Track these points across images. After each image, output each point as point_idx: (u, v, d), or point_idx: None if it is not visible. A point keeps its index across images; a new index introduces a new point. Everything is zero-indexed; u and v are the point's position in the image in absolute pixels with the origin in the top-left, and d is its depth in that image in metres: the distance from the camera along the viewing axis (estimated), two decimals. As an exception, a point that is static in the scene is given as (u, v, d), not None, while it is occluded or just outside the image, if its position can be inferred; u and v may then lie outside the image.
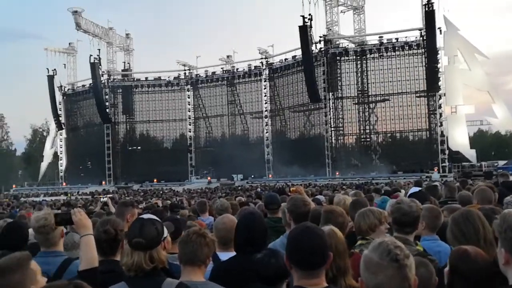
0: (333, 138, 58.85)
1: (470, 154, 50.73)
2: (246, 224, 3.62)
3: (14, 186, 72.97)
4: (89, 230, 3.35)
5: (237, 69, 69.18)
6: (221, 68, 70.70)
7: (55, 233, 3.80)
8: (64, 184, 71.26)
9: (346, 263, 3.03)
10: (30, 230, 5.01)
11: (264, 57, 66.03)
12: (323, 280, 2.52)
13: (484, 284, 2.56)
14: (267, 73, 66.14)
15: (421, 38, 53.25)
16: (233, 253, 3.74)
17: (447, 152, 51.90)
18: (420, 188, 7.75)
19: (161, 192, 36.80)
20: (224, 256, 3.57)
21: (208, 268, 3.37)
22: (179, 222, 4.66)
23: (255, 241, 3.51)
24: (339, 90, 59.29)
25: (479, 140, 79.49)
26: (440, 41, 50.63)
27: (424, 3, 51.79)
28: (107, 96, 70.67)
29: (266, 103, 66.25)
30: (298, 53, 58.31)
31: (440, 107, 53.24)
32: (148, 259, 2.88)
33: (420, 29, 53.56)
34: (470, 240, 3.21)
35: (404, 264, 1.96)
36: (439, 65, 51.50)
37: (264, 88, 66.19)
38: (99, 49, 69.26)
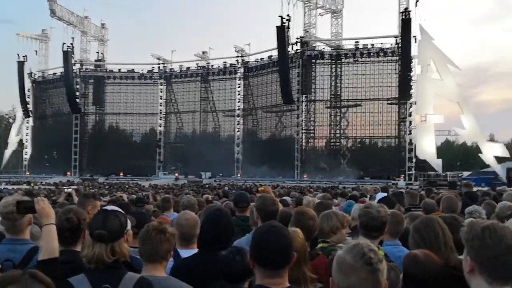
0: (303, 141, 59.17)
1: (436, 163, 51.51)
2: (213, 221, 3.59)
3: (-26, 172, 71.31)
4: (51, 220, 3.27)
5: (212, 65, 68.92)
6: (196, 63, 70.46)
7: (23, 220, 3.69)
8: (27, 173, 69.94)
9: (302, 271, 3.02)
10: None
11: (240, 55, 65.95)
12: (286, 280, 2.49)
13: (434, 287, 2.65)
14: (242, 71, 66.11)
15: (396, 46, 53.95)
16: (195, 251, 3.70)
17: (414, 160, 52.74)
18: (386, 194, 7.84)
19: (126, 186, 36.35)
20: (185, 253, 3.52)
21: (169, 265, 3.32)
22: (144, 216, 4.59)
23: (221, 238, 3.48)
24: (312, 93, 59.71)
25: (446, 150, 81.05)
26: (414, 49, 51.44)
27: (401, 11, 52.53)
28: (78, 86, 69.76)
29: (239, 101, 66.23)
30: (274, 53, 58.46)
31: (410, 115, 54.07)
32: (109, 251, 2.82)
33: (395, 37, 54.29)
34: (431, 246, 3.24)
35: (377, 268, 1.98)
36: (412, 73, 52.25)
37: (238, 87, 66.15)
38: (73, 38, 68.38)
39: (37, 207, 3.29)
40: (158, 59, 70.88)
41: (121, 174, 63.32)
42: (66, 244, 3.34)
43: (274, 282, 2.44)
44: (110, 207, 3.15)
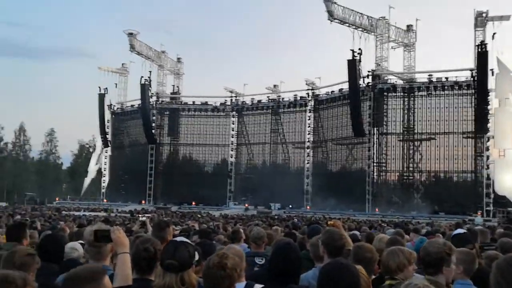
0: (375, 174, 57.95)
1: (517, 199, 49.07)
2: (282, 254, 3.64)
3: (57, 199, 74.80)
4: (126, 249, 3.43)
5: (282, 98, 69.48)
6: (267, 96, 71.26)
7: (107, 247, 3.91)
8: (105, 200, 72.52)
9: None
10: (70, 244, 5.16)
11: (310, 88, 66.10)
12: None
13: None
14: (312, 104, 66.10)
15: (472, 79, 52.30)
16: (243, 284, 3.74)
17: (492, 196, 50.38)
18: (465, 231, 7.52)
19: (198, 215, 36.91)
20: (239, 286, 3.55)
21: None
22: (211, 247, 4.71)
23: (289, 272, 3.52)
24: (384, 126, 58.64)
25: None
26: (491, 82, 49.73)
27: (477, 44, 51.13)
28: (154, 117, 72.05)
29: (309, 134, 66.10)
30: (345, 86, 58.21)
31: (487, 149, 51.89)
32: (179, 281, 2.93)
33: (471, 69, 52.69)
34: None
35: None
36: (489, 107, 50.40)
37: (308, 119, 66.10)
38: (150, 71, 71.00)
39: (113, 236, 3.47)
40: (231, 92, 72.30)
41: (193, 203, 64.41)
42: (141, 273, 3.48)
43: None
44: (179, 238, 3.29)
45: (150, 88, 69.97)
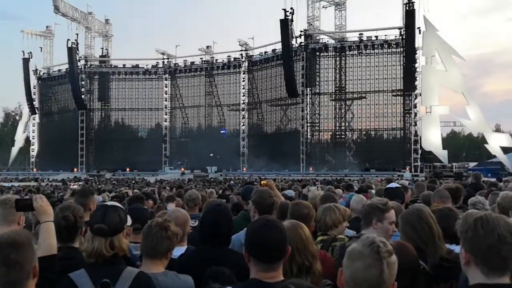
0: (308, 134, 59.06)
1: (442, 154, 51.45)
2: (212, 215, 3.60)
3: (-18, 169, 71.73)
4: (49, 217, 3.29)
5: (216, 60, 69.04)
6: (200, 58, 70.58)
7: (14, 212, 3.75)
8: (34, 170, 70.32)
9: (308, 259, 2.99)
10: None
11: (244, 49, 65.86)
12: (280, 274, 2.50)
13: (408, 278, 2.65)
14: (246, 65, 66.06)
15: (401, 37, 53.71)
16: (184, 248, 3.73)
17: (419, 151, 52.60)
18: (398, 185, 7.75)
19: (133, 181, 36.48)
20: (176, 250, 3.53)
21: None
22: (143, 212, 4.62)
23: (219, 233, 3.49)
24: (317, 86, 59.55)
25: (451, 141, 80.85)
26: (419, 41, 51.21)
27: (405, 2, 52.27)
28: (83, 82, 69.90)
29: (244, 95, 66.18)
30: (278, 46, 58.43)
31: (415, 106, 53.87)
32: (108, 245, 2.85)
33: (399, 28, 54.05)
34: (425, 237, 3.23)
35: (383, 257, 1.98)
36: (416, 65, 52.05)
37: (243, 81, 66.09)
38: (77, 34, 68.56)
39: (35, 204, 3.31)
40: (163, 54, 70.97)
41: (128, 169, 63.59)
42: (63, 241, 3.37)
43: (269, 275, 2.46)
44: (110, 203, 3.18)
45: (77, 51, 67.61)
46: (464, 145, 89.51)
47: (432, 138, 51.13)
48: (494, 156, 51.36)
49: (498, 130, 78.25)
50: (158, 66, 71.20)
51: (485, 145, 52.04)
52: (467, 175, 35.93)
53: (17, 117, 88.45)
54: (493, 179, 16.23)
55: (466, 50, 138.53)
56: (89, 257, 2.88)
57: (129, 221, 3.07)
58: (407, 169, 50.29)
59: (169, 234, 3.18)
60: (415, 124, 53.80)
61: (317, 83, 59.47)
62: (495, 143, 50.11)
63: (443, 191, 5.83)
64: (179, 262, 3.45)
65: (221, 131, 68.09)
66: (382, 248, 2.00)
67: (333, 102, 59.67)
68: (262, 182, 6.15)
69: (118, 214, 2.96)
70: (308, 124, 58.96)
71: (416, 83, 52.41)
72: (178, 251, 3.59)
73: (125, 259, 3.01)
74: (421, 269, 2.99)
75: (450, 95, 55.65)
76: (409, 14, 50.77)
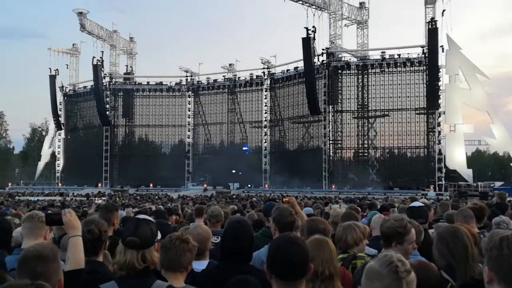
0: (331, 151, 58.75)
1: (467, 173, 50.73)
2: (233, 232, 3.63)
3: (10, 184, 72.81)
4: (78, 232, 3.37)
5: (238, 77, 69.33)
6: (223, 76, 70.97)
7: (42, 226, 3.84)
8: (60, 184, 71.11)
9: (331, 271, 3.01)
10: (19, 229, 5.04)
11: (266, 67, 66.11)
12: (303, 292, 2.52)
13: None
14: (268, 83, 66.22)
15: (423, 55, 53.33)
16: (206, 262, 3.77)
17: (444, 170, 51.87)
18: (421, 204, 7.67)
19: (156, 197, 36.72)
20: (198, 265, 3.57)
21: None
22: (167, 227, 4.69)
23: (240, 250, 3.52)
24: (339, 104, 59.36)
25: (476, 160, 79.63)
26: (442, 59, 50.88)
27: (427, 21, 52.12)
28: (107, 99, 70.72)
29: (266, 113, 66.23)
30: (300, 64, 58.43)
31: (439, 125, 53.23)
32: (140, 258, 2.90)
33: (422, 46, 53.67)
34: (459, 258, 3.22)
35: (402, 277, 2.00)
36: (440, 83, 51.59)
37: (265, 98, 66.24)
38: (102, 51, 69.35)
39: (64, 219, 3.39)
40: (186, 71, 71.56)
41: (151, 185, 63.90)
42: (87, 255, 3.44)
43: (291, 293, 2.47)
44: (141, 216, 3.25)
45: (102, 68, 68.49)
46: (490, 164, 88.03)
47: (456, 157, 50.48)
48: (521, 176, 50.45)
49: (524, 149, 76.90)
50: (182, 83, 71.80)
51: (511, 164, 51.18)
52: (492, 194, 35.33)
53: (44, 133, 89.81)
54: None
55: (490, 68, 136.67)
56: (120, 269, 2.94)
57: (159, 235, 3.13)
58: (431, 188, 49.57)
59: (190, 247, 3.24)
60: (439, 143, 53.12)
61: (339, 101, 59.27)
62: (521, 162, 49.31)
63: (466, 210, 5.79)
64: (201, 276, 3.50)
65: (243, 148, 68.28)
66: (400, 267, 2.01)
67: (356, 119, 59.32)
68: (284, 199, 6.19)
69: (150, 228, 3.02)
70: (331, 142, 58.66)
71: (439, 101, 51.92)
72: (200, 265, 3.64)
73: (155, 273, 3.06)
74: (449, 286, 2.98)
75: (474, 113, 54.95)
76: (432, 33, 50.46)
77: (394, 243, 3.75)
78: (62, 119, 74.51)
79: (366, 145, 59.25)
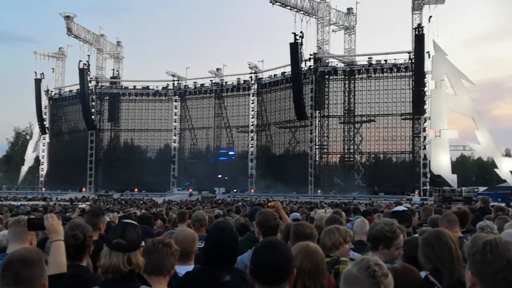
0: (317, 156, 58.91)
1: (452, 178, 51.17)
2: (215, 236, 3.60)
3: (-8, 188, 72.02)
4: (60, 236, 3.35)
5: (226, 82, 69.35)
6: (210, 80, 70.96)
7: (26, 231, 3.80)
8: (43, 189, 70.37)
9: (321, 282, 2.98)
10: (2, 232, 4.98)
11: (253, 72, 66.24)
12: (285, 295, 2.50)
13: None
14: (255, 87, 66.32)
15: (410, 61, 53.77)
16: (191, 267, 3.73)
17: (429, 175, 52.25)
18: (405, 209, 7.71)
19: (140, 202, 36.49)
20: (181, 269, 3.53)
21: None
22: (148, 233, 4.67)
23: (225, 254, 3.49)
24: (325, 109, 59.64)
25: (461, 165, 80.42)
26: (428, 65, 51.32)
27: (414, 27, 52.56)
28: (93, 103, 70.26)
29: (252, 117, 66.27)
30: (287, 69, 58.55)
31: (424, 130, 53.66)
32: (126, 261, 2.87)
33: (409, 52, 54.10)
34: (445, 261, 3.23)
35: (380, 282, 1.99)
36: (425, 89, 52.02)
37: (252, 103, 66.29)
38: (89, 55, 69.04)
39: (46, 223, 3.37)
40: (173, 76, 71.41)
41: (136, 190, 63.48)
42: (71, 259, 3.41)
43: (273, 297, 2.46)
44: (128, 220, 3.24)
45: (89, 72, 68.11)
46: (474, 170, 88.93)
47: (441, 162, 50.87)
48: (504, 181, 50.92)
49: (508, 154, 77.75)
50: (168, 87, 71.63)
51: (495, 169, 51.73)
52: (476, 199, 35.64)
53: (28, 137, 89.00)
54: (503, 204, 16.14)
55: (475, 74, 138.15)
56: (105, 272, 2.90)
57: (143, 243, 3.12)
58: (416, 192, 49.93)
59: (173, 251, 3.22)
60: (424, 148, 53.53)
61: (326, 106, 59.55)
62: (505, 168, 49.81)
63: (450, 214, 5.83)
64: (183, 279, 3.47)
65: (230, 152, 68.20)
66: (378, 272, 2.00)
67: (342, 125, 59.61)
68: (270, 204, 6.17)
69: (136, 231, 3.01)
70: (317, 147, 58.85)
71: (425, 107, 52.35)
72: (184, 270, 3.61)
73: (139, 277, 3.03)
74: None
75: (459, 119, 55.55)
76: (419, 39, 50.90)
77: (381, 246, 3.76)
78: (47, 123, 73.84)
79: (352, 150, 59.55)
